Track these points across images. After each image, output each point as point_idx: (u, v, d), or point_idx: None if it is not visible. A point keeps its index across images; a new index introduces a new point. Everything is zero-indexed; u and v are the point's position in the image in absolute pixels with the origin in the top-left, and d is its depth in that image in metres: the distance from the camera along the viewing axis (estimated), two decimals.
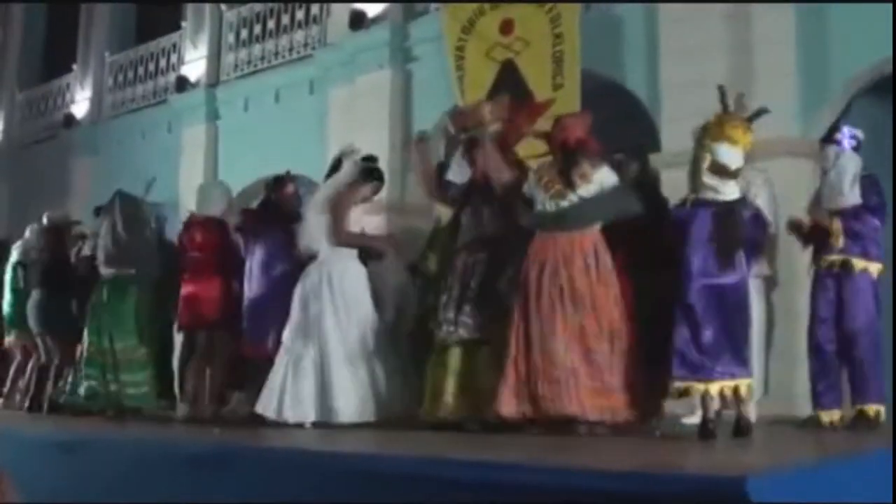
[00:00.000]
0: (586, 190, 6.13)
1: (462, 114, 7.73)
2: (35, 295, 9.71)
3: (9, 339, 10.56)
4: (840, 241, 6.42)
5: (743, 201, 5.91)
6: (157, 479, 5.50)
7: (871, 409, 6.33)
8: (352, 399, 6.90)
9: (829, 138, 6.67)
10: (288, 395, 6.97)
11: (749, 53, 9.45)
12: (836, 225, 6.39)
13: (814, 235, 6.63)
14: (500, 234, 6.63)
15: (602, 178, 6.17)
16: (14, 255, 10.55)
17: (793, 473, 3.93)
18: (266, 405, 7.03)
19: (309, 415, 6.91)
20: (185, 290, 8.15)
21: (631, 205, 6.19)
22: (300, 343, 7.07)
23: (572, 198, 6.13)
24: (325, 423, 6.83)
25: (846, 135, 6.58)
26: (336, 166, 7.54)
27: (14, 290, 10.42)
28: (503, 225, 6.62)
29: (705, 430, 5.58)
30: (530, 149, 8.12)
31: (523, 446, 5.45)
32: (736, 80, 9.31)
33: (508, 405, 6.01)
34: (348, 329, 7.04)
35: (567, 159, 6.20)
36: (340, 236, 7.19)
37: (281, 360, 7.13)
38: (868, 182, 6.57)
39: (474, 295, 6.55)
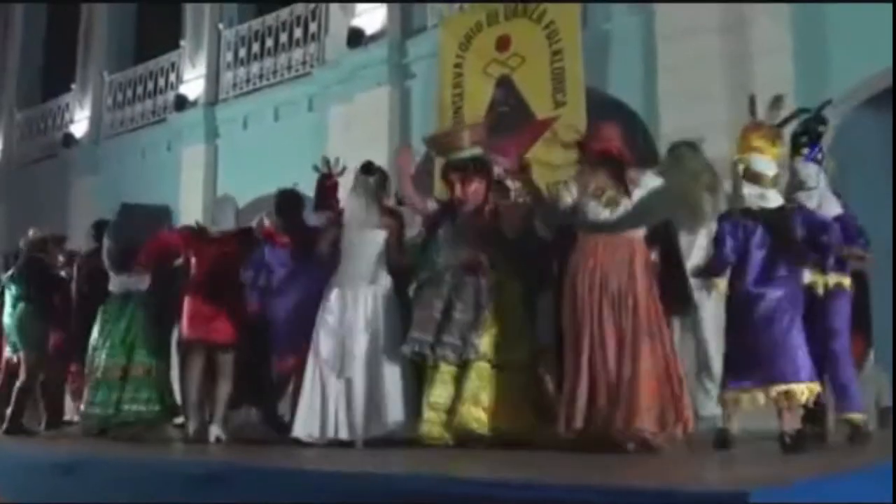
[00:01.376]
0: (636, 194, 6.12)
1: (440, 138, 7.71)
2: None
3: (11, 357, 10.52)
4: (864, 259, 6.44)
5: (789, 207, 5.95)
6: (159, 500, 5.48)
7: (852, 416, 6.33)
8: (392, 413, 6.88)
9: (808, 156, 6.68)
10: (333, 414, 6.95)
11: (746, 66, 9.46)
12: (853, 252, 6.38)
13: None
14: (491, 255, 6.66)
15: (648, 181, 6.18)
16: (9, 270, 10.54)
17: (796, 487, 3.91)
18: (309, 427, 7.01)
19: (357, 432, 6.87)
20: (190, 305, 8.08)
21: (677, 208, 6.28)
22: (337, 361, 7.04)
23: (627, 204, 6.11)
24: (375, 439, 6.80)
25: (814, 149, 6.62)
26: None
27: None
28: (488, 247, 6.65)
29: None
30: (543, 174, 8.12)
31: (525, 464, 5.42)
32: (733, 93, 9.38)
33: (576, 420, 5.89)
34: (381, 345, 7.02)
35: (615, 167, 6.21)
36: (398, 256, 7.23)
37: (316, 381, 7.10)
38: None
39: (467, 317, 6.55)
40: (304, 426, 6.98)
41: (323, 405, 6.98)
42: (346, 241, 7.27)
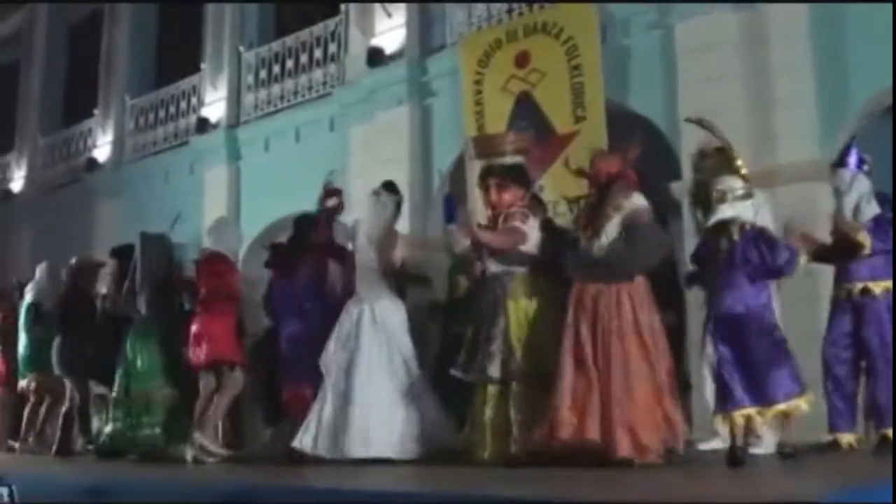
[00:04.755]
0: (614, 228, 6.02)
1: (484, 141, 7.73)
2: (58, 338, 9.72)
3: (23, 382, 10.57)
4: (868, 249, 6.39)
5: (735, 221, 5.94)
6: None
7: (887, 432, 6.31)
8: (395, 435, 6.91)
9: (841, 162, 6.70)
10: (329, 431, 6.99)
11: (767, 80, 9.46)
12: (863, 234, 6.37)
13: (835, 252, 6.58)
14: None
15: (632, 204, 6.07)
16: (28, 297, 10.58)
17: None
18: (306, 441, 7.07)
19: (352, 451, 6.90)
20: (195, 327, 8.13)
21: (664, 241, 6.25)
22: (342, 379, 7.07)
23: (603, 241, 6.03)
24: (367, 460, 6.82)
25: (856, 158, 6.64)
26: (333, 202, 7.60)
27: (29, 332, 10.44)
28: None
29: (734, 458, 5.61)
30: (565, 189, 8.11)
31: (541, 480, 5.39)
32: (754, 107, 9.39)
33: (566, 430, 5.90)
34: (392, 365, 7.03)
35: (600, 195, 6.17)
36: (387, 269, 7.23)
37: (323, 396, 7.14)
38: (884, 199, 6.65)
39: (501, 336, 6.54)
40: (307, 440, 7.08)
41: (332, 422, 7.02)
42: (357, 260, 7.32)
